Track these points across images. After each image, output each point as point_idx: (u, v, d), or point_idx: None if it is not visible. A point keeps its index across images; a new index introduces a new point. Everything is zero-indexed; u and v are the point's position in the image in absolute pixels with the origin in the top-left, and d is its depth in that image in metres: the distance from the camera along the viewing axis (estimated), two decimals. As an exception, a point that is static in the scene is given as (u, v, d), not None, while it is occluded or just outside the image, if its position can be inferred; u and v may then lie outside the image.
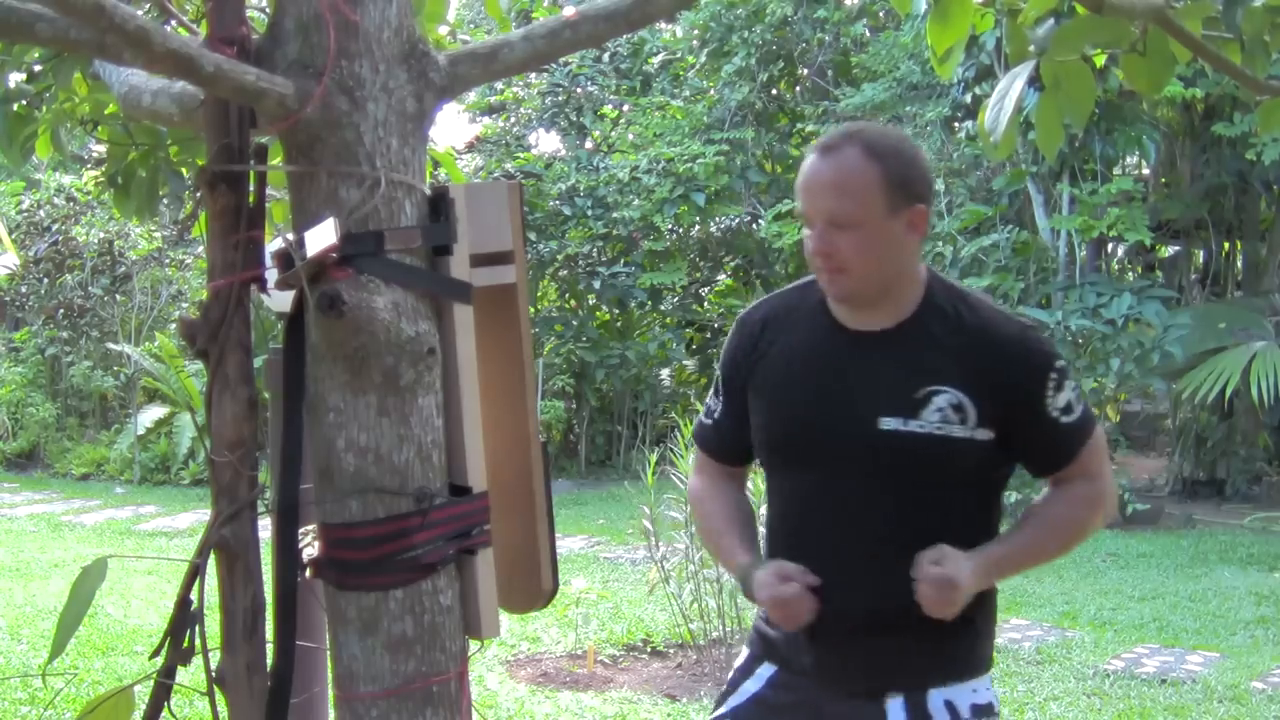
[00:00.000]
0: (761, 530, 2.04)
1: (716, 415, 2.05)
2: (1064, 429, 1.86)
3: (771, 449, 1.96)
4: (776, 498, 1.98)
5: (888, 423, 1.81)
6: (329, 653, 1.62)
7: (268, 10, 1.67)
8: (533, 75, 12.97)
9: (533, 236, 11.43)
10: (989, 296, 1.95)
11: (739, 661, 2.03)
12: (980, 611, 1.87)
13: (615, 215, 11.45)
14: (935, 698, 1.82)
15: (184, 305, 11.80)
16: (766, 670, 1.96)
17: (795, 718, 1.91)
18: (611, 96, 13.36)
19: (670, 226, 11.73)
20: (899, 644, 1.83)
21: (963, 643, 1.86)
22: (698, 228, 12.63)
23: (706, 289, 13.40)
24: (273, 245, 1.58)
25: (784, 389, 1.93)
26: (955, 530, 1.82)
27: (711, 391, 2.07)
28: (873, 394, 1.84)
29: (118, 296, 11.82)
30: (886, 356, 1.85)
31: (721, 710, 1.99)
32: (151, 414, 11.23)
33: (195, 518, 8.91)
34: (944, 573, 1.75)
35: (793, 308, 1.98)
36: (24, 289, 12.10)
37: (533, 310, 11.64)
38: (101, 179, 3.04)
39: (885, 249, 1.81)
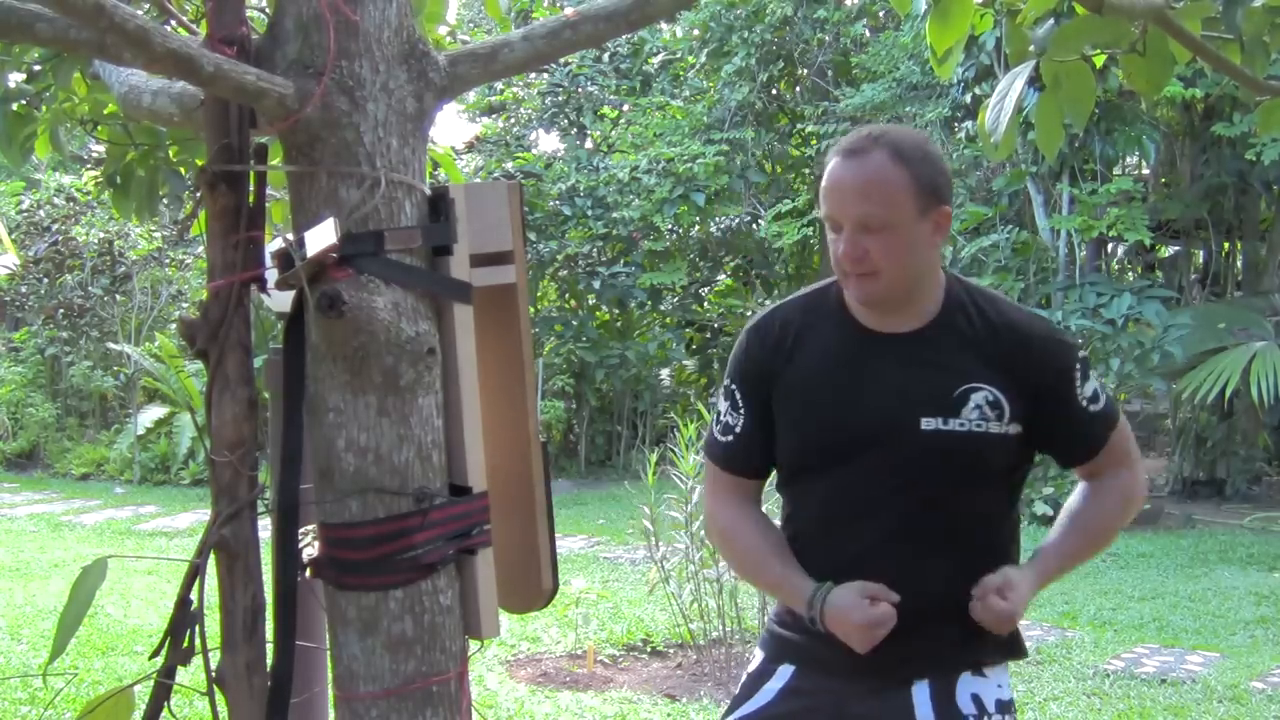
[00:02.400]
0: None
1: (738, 429, 1.98)
2: (1093, 417, 1.93)
3: (806, 453, 1.93)
4: (806, 502, 1.96)
5: (929, 423, 1.83)
6: (329, 653, 1.62)
7: (268, 10, 1.67)
8: (533, 75, 12.97)
9: (533, 236, 11.43)
10: (999, 292, 2.01)
11: (752, 666, 2.00)
12: None
13: (615, 215, 11.45)
14: (962, 690, 1.85)
15: (184, 305, 11.81)
16: (786, 670, 1.94)
17: (814, 716, 1.90)
18: (611, 96, 13.36)
19: (670, 226, 11.73)
20: (931, 632, 1.85)
21: (994, 635, 1.88)
22: (698, 228, 12.63)
23: (706, 289, 13.40)
24: (273, 245, 1.58)
25: (818, 393, 1.90)
26: (984, 524, 1.90)
27: (726, 407, 1.99)
28: (913, 396, 1.84)
29: (118, 296, 11.82)
30: (921, 358, 1.87)
31: (736, 715, 1.96)
32: (151, 414, 11.23)
33: (195, 518, 8.91)
34: (1009, 609, 1.81)
35: (812, 312, 1.96)
36: (24, 289, 12.11)
37: (533, 310, 11.64)
38: (101, 179, 3.04)
39: (913, 251, 1.82)
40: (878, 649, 1.82)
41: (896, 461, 1.85)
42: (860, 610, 1.80)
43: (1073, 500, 2.02)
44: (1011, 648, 1.94)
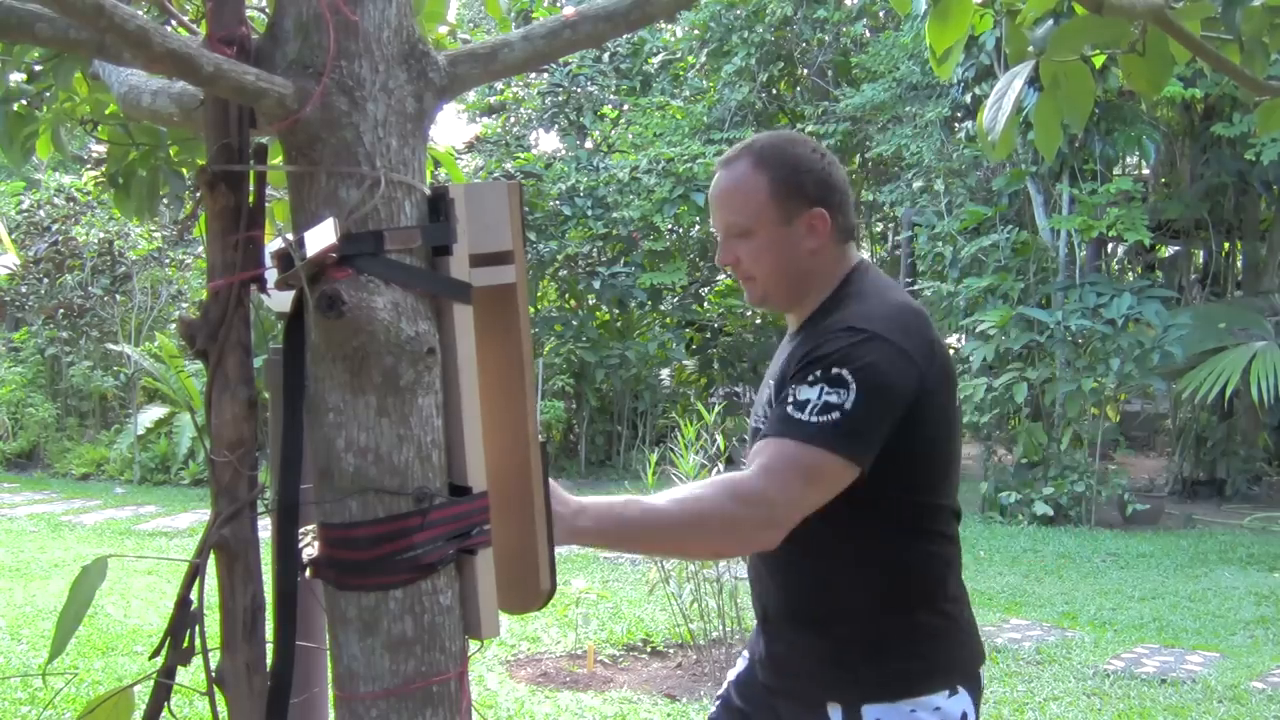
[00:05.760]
0: None
1: None
2: (777, 413, 1.72)
3: None
4: None
5: (756, 422, 1.90)
6: (329, 653, 1.62)
7: (268, 10, 1.67)
8: (533, 75, 12.98)
9: (533, 236, 11.43)
10: (886, 302, 1.82)
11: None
12: (896, 637, 1.80)
13: (615, 215, 11.46)
14: (868, 714, 1.77)
15: (184, 305, 11.82)
16: (743, 661, 2.06)
17: (758, 708, 1.97)
18: (611, 96, 13.37)
19: (670, 226, 11.74)
20: (817, 649, 1.83)
21: (878, 664, 1.79)
22: (698, 228, 12.64)
23: (706, 289, 13.41)
24: (272, 245, 1.58)
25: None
26: (836, 530, 1.75)
27: None
28: (758, 402, 1.94)
29: (118, 296, 11.83)
30: (780, 362, 1.91)
31: (718, 692, 2.10)
32: (151, 414, 11.24)
33: (195, 518, 8.92)
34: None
35: None
36: (24, 289, 12.11)
37: (533, 310, 11.64)
38: (101, 179, 3.04)
39: (782, 256, 1.85)
40: (774, 650, 1.90)
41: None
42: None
43: None
44: (911, 684, 1.78)
